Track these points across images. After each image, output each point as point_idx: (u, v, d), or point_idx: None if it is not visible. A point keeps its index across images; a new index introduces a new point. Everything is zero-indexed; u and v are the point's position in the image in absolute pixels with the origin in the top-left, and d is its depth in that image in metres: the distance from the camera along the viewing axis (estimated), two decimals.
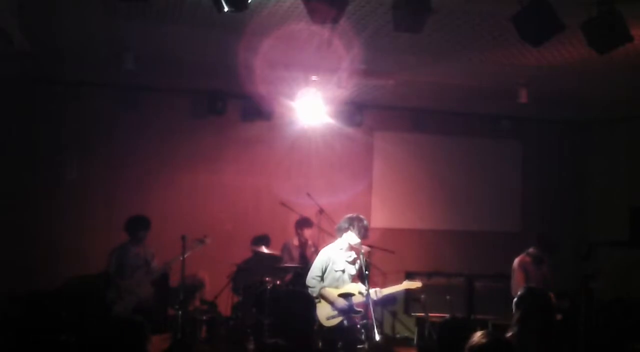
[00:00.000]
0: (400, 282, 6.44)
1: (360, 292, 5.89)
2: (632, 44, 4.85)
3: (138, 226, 7.23)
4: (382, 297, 6.05)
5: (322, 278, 6.04)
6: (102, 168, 8.57)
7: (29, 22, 5.82)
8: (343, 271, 5.99)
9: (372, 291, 5.87)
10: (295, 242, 8.32)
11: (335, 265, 6.02)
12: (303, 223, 8.22)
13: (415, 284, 6.38)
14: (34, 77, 8.09)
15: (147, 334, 2.92)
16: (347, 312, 5.89)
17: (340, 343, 6.00)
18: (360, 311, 5.90)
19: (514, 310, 4.03)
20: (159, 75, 7.94)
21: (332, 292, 5.97)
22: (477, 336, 2.81)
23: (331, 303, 5.94)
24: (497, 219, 9.99)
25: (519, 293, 4.10)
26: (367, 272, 5.84)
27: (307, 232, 8.22)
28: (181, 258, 7.12)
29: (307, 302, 3.78)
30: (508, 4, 4.62)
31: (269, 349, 3.18)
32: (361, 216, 6.05)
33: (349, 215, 6.06)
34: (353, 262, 6.01)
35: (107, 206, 8.43)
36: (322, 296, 5.99)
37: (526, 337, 3.76)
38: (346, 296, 5.92)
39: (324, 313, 5.97)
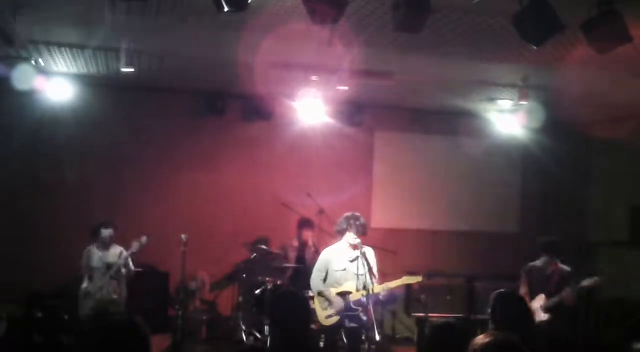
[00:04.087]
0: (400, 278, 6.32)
1: (359, 290, 5.87)
2: (632, 44, 4.84)
3: (93, 235, 7.04)
4: (380, 293, 5.99)
5: (324, 279, 6.04)
6: (102, 168, 8.57)
7: (27, 20, 5.82)
8: (344, 270, 5.98)
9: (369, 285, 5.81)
10: (295, 243, 8.31)
11: (335, 265, 6.01)
12: (303, 224, 8.20)
13: (415, 279, 6.16)
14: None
15: (148, 335, 2.90)
16: (344, 310, 5.89)
17: (341, 343, 6.00)
18: (356, 309, 5.89)
19: (490, 315, 4.03)
20: (159, 75, 7.94)
21: (331, 291, 5.97)
22: (480, 337, 2.80)
23: (329, 302, 5.94)
24: (497, 220, 9.98)
25: (491, 298, 4.10)
26: (366, 270, 5.80)
27: (307, 234, 8.20)
28: (136, 249, 6.94)
29: (303, 303, 3.78)
30: (508, 3, 4.62)
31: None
32: (357, 214, 6.03)
33: (345, 214, 6.05)
34: (354, 261, 6.00)
35: (107, 206, 8.42)
36: (320, 295, 5.99)
37: None
38: (343, 294, 5.92)
39: (322, 312, 5.98)
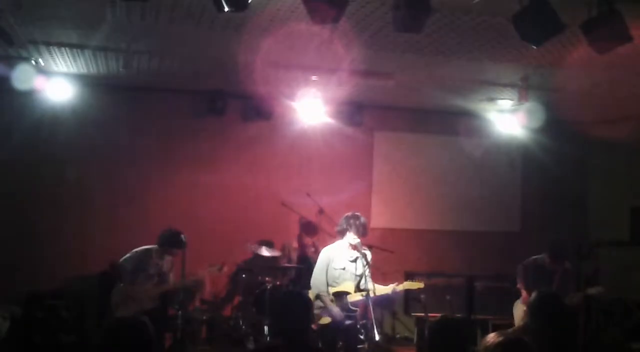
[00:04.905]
0: (402, 282, 6.33)
1: (358, 291, 5.86)
2: (632, 44, 4.85)
3: (175, 244, 6.93)
4: (380, 296, 5.98)
5: (326, 279, 6.00)
6: (101, 168, 8.57)
7: (27, 20, 5.82)
8: (343, 269, 5.97)
9: (370, 288, 5.80)
10: (295, 244, 8.31)
11: (334, 263, 5.99)
12: (306, 229, 8.19)
13: (417, 285, 6.22)
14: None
15: (152, 336, 2.91)
16: (342, 310, 5.87)
17: (340, 343, 5.98)
18: (355, 310, 5.88)
19: (528, 316, 4.03)
20: (159, 75, 7.94)
21: (330, 292, 5.95)
22: (492, 336, 2.81)
23: (324, 307, 5.92)
24: (497, 219, 9.99)
25: (530, 299, 4.10)
26: (366, 271, 5.80)
27: (307, 239, 8.20)
28: (199, 279, 7.18)
29: (304, 303, 3.78)
30: (508, 3, 4.62)
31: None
32: (357, 214, 6.02)
33: (346, 214, 6.05)
34: (355, 261, 6.00)
35: (108, 206, 8.43)
36: (319, 297, 5.97)
37: (539, 343, 3.75)
38: (341, 294, 5.90)
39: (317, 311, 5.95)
